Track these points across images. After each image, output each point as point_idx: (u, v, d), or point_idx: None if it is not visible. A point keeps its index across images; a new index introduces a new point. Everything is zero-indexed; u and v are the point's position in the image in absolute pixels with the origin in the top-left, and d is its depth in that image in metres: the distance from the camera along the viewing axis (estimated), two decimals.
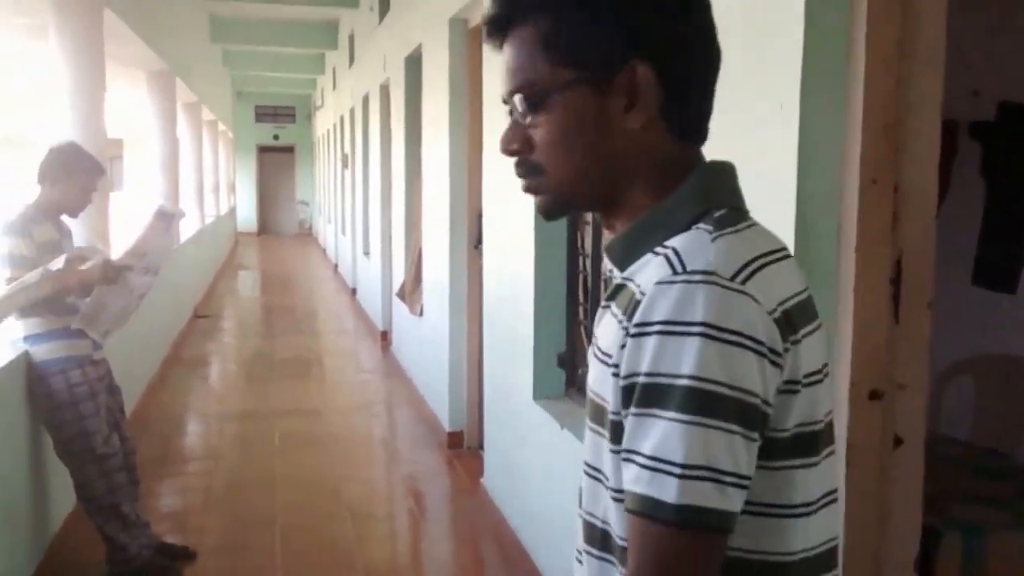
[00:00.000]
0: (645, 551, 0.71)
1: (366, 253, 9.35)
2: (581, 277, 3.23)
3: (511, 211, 3.52)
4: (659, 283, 0.73)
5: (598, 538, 0.82)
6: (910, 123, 1.57)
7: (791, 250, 1.51)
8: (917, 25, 1.56)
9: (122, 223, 5.36)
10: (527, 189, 0.87)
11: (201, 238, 10.55)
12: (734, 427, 0.69)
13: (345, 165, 11.56)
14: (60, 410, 3.07)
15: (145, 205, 3.31)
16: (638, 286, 0.77)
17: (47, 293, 2.86)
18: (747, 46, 1.76)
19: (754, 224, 0.81)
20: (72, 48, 4.52)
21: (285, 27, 11.85)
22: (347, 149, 11.22)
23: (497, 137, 0.85)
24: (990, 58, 2.86)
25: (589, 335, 2.52)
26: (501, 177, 3.60)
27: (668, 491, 0.68)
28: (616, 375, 0.75)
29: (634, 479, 0.71)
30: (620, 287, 0.81)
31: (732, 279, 0.72)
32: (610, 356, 0.77)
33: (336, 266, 13.60)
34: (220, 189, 14.98)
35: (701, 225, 0.78)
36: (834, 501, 0.83)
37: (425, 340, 5.65)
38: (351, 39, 10.36)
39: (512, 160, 0.87)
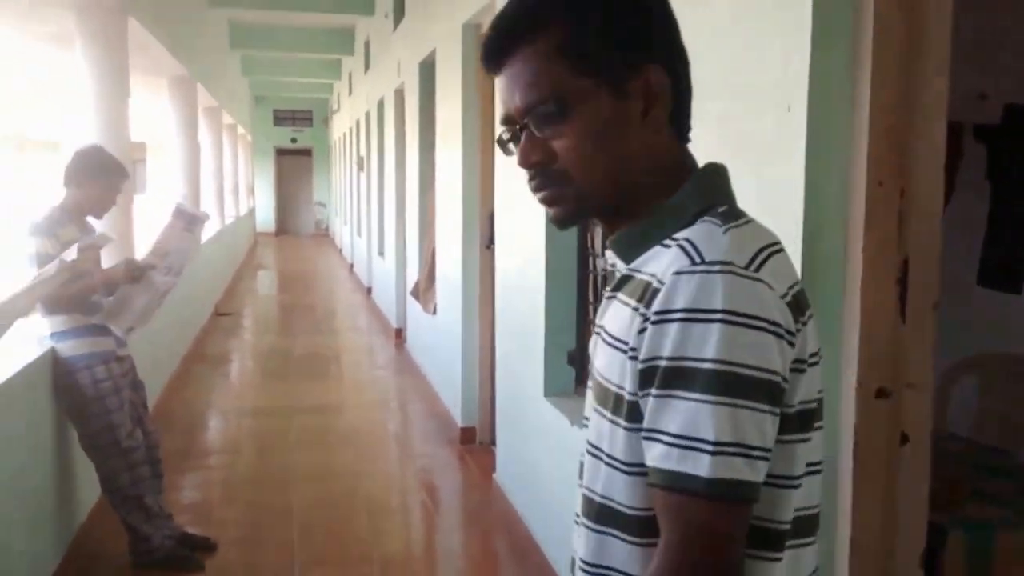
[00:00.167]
0: (679, 524, 0.75)
1: (381, 253, 9.44)
2: (591, 276, 3.29)
3: (522, 212, 3.58)
4: (678, 272, 0.77)
5: (595, 512, 0.87)
6: (916, 126, 1.58)
7: (799, 252, 1.57)
8: (923, 28, 1.57)
9: (145, 225, 5.47)
10: (546, 199, 0.88)
11: (221, 238, 10.69)
12: (760, 405, 0.74)
13: (361, 168, 11.66)
14: (86, 405, 3.16)
15: (167, 207, 3.38)
16: (653, 275, 0.80)
17: (64, 282, 2.92)
18: (754, 48, 1.79)
19: (752, 220, 0.85)
20: (97, 55, 4.64)
21: (302, 34, 11.99)
22: (363, 152, 11.32)
23: None
24: (996, 61, 2.88)
25: None
26: (513, 179, 3.66)
27: (701, 466, 0.73)
28: (633, 358, 0.79)
29: (661, 456, 0.75)
30: (627, 278, 0.86)
31: (747, 267, 0.76)
32: (625, 342, 0.81)
33: (352, 266, 13.70)
34: (240, 191, 15.13)
35: (707, 219, 0.82)
36: (820, 472, 0.88)
37: (438, 338, 5.73)
38: (367, 45, 10.46)
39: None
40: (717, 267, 0.76)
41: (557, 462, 3.19)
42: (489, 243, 4.58)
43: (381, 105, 8.96)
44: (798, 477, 0.83)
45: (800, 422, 0.82)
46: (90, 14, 4.61)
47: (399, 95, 7.62)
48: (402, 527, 4.06)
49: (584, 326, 3.33)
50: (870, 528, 1.63)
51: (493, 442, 4.32)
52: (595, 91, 0.82)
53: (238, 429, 5.50)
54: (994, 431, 2.83)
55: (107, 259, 3.49)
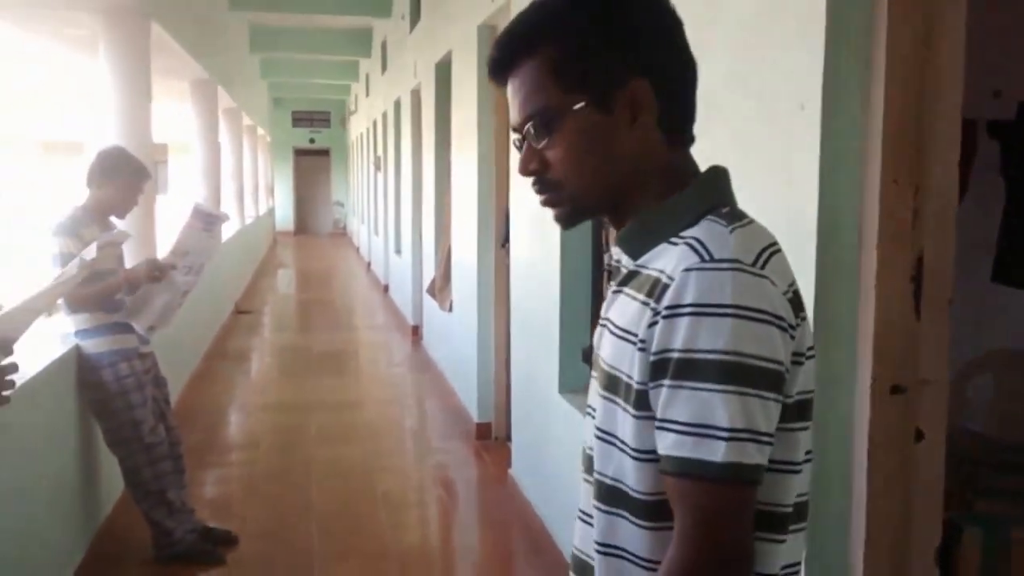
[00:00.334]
0: (693, 509, 0.79)
1: (398, 252, 9.50)
2: (605, 273, 3.31)
3: (537, 211, 3.59)
4: (688, 269, 0.81)
5: (608, 495, 0.90)
6: (930, 123, 1.59)
7: (814, 249, 1.58)
8: (937, 25, 1.57)
9: (167, 225, 5.54)
10: (545, 203, 0.96)
11: (241, 238, 10.79)
12: (767, 393, 0.79)
13: (378, 167, 11.72)
14: (109, 401, 3.21)
15: (187, 207, 3.43)
16: (661, 272, 0.85)
17: (86, 280, 2.96)
18: (768, 46, 1.79)
19: (753, 220, 0.90)
20: (120, 59, 4.71)
21: (320, 36, 12.08)
22: (380, 152, 11.38)
23: None
24: (1010, 58, 2.87)
25: None
26: (527, 179, 3.68)
27: (716, 452, 0.77)
28: (643, 350, 0.83)
29: (675, 444, 0.79)
30: (634, 273, 0.90)
31: (753, 265, 0.82)
32: (634, 334, 0.85)
33: (369, 264, 13.78)
34: (259, 191, 15.26)
35: (712, 218, 0.86)
36: (810, 460, 0.93)
37: (454, 335, 5.76)
38: (383, 46, 10.53)
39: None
40: (726, 264, 0.80)
41: (572, 457, 3.19)
42: (504, 241, 4.61)
43: (398, 106, 9.02)
44: (799, 463, 0.88)
45: (799, 411, 0.87)
46: (114, 19, 4.69)
47: (415, 96, 7.67)
48: (419, 522, 4.10)
49: (598, 323, 3.33)
50: (885, 524, 1.63)
51: (509, 438, 4.34)
52: (583, 105, 0.88)
53: (258, 425, 5.56)
54: (1009, 427, 2.82)
55: (130, 259, 3.55)
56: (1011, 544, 2.10)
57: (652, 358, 0.82)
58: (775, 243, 0.87)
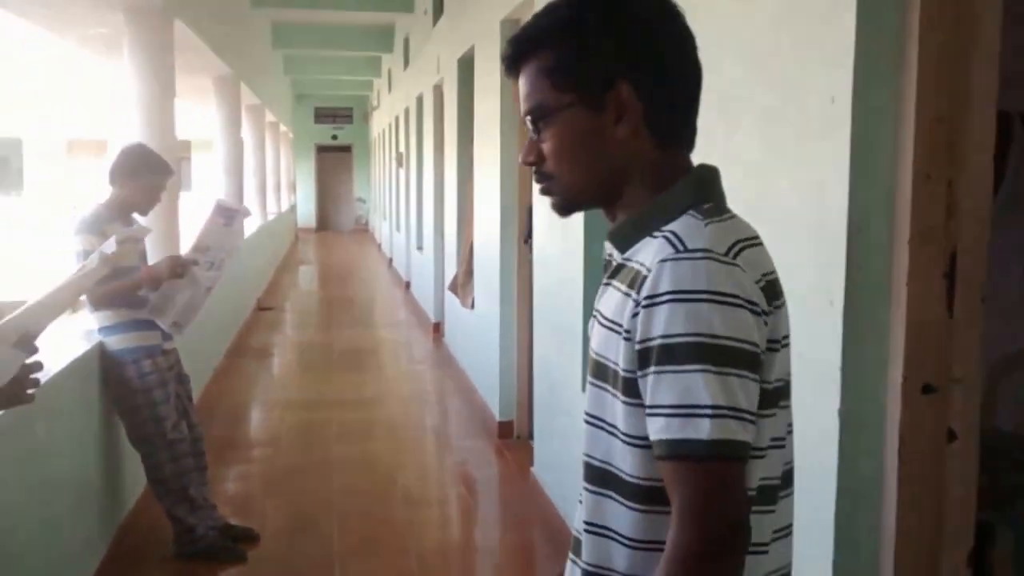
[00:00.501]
0: (688, 489, 0.83)
1: (419, 248, 9.51)
2: None
3: None
4: (663, 260, 0.87)
5: (597, 476, 0.96)
6: (965, 116, 1.55)
7: (843, 245, 1.54)
8: (972, 14, 1.53)
9: (191, 222, 5.59)
10: (542, 192, 1.03)
11: (263, 234, 10.86)
12: (744, 372, 0.84)
13: (400, 164, 11.75)
14: (132, 397, 3.23)
15: (209, 204, 3.45)
16: (642, 264, 0.91)
17: (108, 277, 2.97)
18: (796, 39, 1.76)
19: (735, 216, 0.95)
20: (144, 57, 4.74)
21: (343, 32, 12.12)
22: (402, 148, 11.40)
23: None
24: None
25: None
26: None
27: (702, 430, 0.81)
28: (628, 339, 0.88)
29: (664, 428, 0.84)
30: (621, 266, 0.96)
31: (725, 255, 0.87)
32: (620, 324, 0.90)
33: (391, 261, 13.81)
34: (281, 187, 15.36)
35: (692, 213, 0.92)
36: (782, 447, 0.97)
37: (476, 332, 5.75)
38: (406, 42, 10.53)
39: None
40: (699, 254, 0.86)
41: None
42: (527, 237, 4.58)
43: (420, 101, 9.02)
44: (764, 449, 0.92)
45: (771, 399, 0.91)
46: (138, 17, 4.73)
47: (438, 91, 7.66)
48: (440, 520, 4.09)
49: None
50: (916, 526, 1.61)
51: (531, 436, 4.32)
52: (573, 104, 0.96)
53: (280, 421, 5.58)
54: None
55: (153, 256, 3.57)
56: None
57: (637, 347, 0.87)
58: (753, 237, 0.93)
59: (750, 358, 0.85)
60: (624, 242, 0.98)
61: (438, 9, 7.42)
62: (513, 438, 4.90)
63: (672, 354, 0.83)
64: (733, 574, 0.84)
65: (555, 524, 3.65)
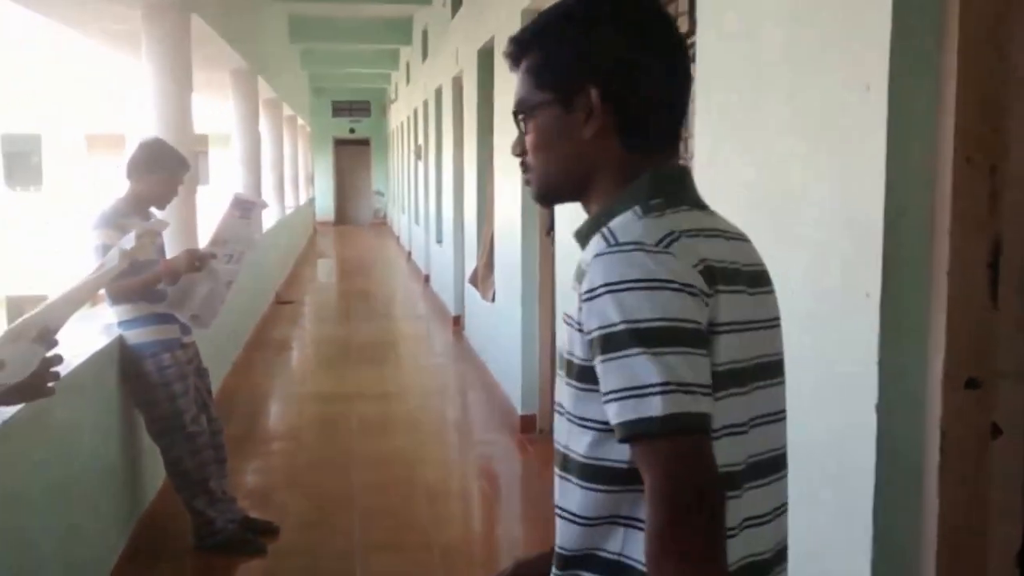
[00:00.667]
0: (653, 467, 0.86)
1: (439, 241, 9.48)
2: None
3: None
4: (598, 255, 0.92)
5: (560, 461, 1.01)
6: (1009, 97, 1.49)
7: (880, 234, 1.49)
8: None
9: (209, 216, 5.60)
10: (525, 182, 1.11)
11: (282, 228, 10.89)
12: (685, 349, 0.87)
13: (418, 156, 11.73)
14: (152, 391, 3.23)
15: (227, 198, 3.45)
16: (585, 260, 0.96)
17: (126, 271, 2.96)
18: (829, 23, 1.71)
19: (689, 210, 0.99)
20: (161, 52, 4.75)
21: (360, 25, 12.10)
22: (421, 141, 11.37)
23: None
24: None
25: None
26: None
27: (654, 407, 0.85)
28: (581, 331, 0.93)
29: (619, 411, 0.87)
30: (579, 264, 1.01)
31: (656, 245, 0.91)
32: (573, 318, 0.96)
33: (410, 254, 13.82)
34: (299, 181, 15.40)
35: (634, 210, 0.97)
36: (774, 421, 1.03)
37: (497, 325, 5.71)
38: (424, 34, 10.49)
39: None
40: (629, 247, 0.91)
41: None
42: (549, 229, 4.53)
43: (439, 93, 8.98)
44: (740, 425, 0.96)
45: (732, 380, 0.95)
46: (155, 12, 4.73)
47: (457, 83, 7.61)
48: (462, 514, 4.07)
49: None
50: (960, 526, 1.55)
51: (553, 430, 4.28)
52: (550, 103, 1.03)
53: (299, 415, 5.59)
54: None
55: (171, 250, 3.56)
56: None
57: (587, 339, 0.92)
58: (702, 230, 0.97)
59: (690, 335, 0.88)
60: (583, 241, 1.04)
61: (456, 0, 7.37)
62: (536, 432, 4.85)
63: (612, 342, 0.88)
64: (715, 535, 0.86)
65: None
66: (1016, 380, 1.55)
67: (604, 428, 0.91)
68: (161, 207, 3.30)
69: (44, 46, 15.47)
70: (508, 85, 5.05)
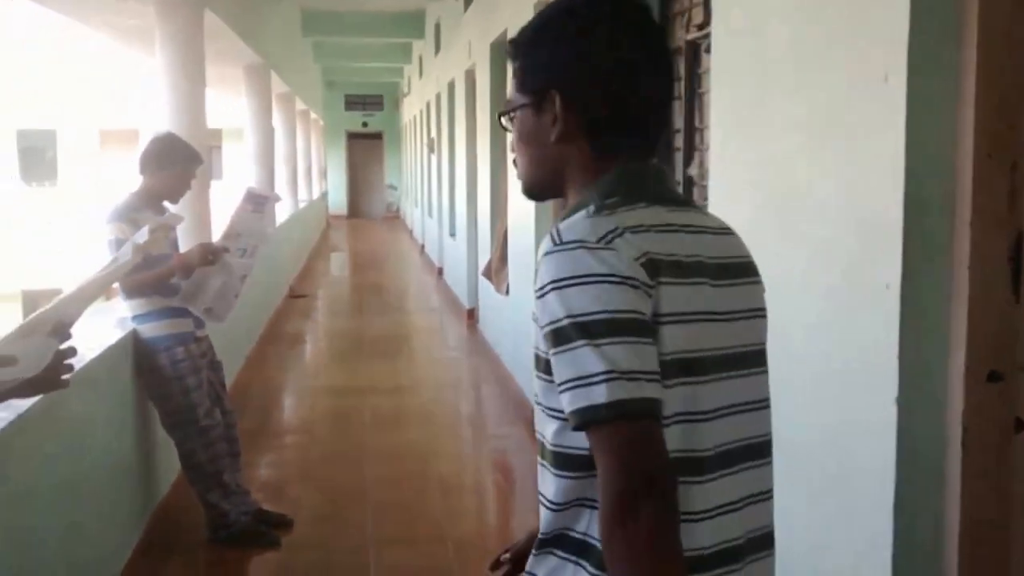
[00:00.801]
0: (603, 454, 0.90)
1: (452, 234, 9.47)
2: None
3: None
4: (545, 254, 0.97)
5: (540, 449, 1.05)
6: None
7: (900, 229, 1.50)
8: None
9: (222, 210, 5.61)
10: (518, 176, 1.16)
11: (295, 221, 10.91)
12: (627, 338, 0.91)
13: (431, 150, 11.71)
14: (165, 384, 3.24)
15: (240, 192, 3.46)
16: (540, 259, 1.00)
17: (140, 266, 2.97)
18: (835, 19, 1.69)
19: (647, 207, 1.01)
20: (175, 47, 4.75)
21: (373, 19, 12.09)
22: (433, 134, 11.36)
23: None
24: None
25: None
26: None
27: (598, 395, 0.89)
28: (540, 327, 0.98)
29: (570, 401, 0.91)
30: None
31: (597, 242, 0.95)
32: (535, 314, 1.00)
33: (423, 247, 13.82)
34: (312, 175, 15.42)
35: (586, 209, 1.01)
36: (750, 410, 1.05)
37: (511, 318, 5.70)
38: (437, 28, 10.47)
39: None
40: (571, 245, 0.95)
41: None
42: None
43: (452, 87, 8.96)
44: (705, 412, 0.99)
45: (682, 369, 0.96)
46: (168, 8, 4.74)
47: (470, 76, 7.59)
48: (476, 508, 4.06)
49: None
50: (982, 521, 1.54)
51: None
52: (526, 105, 1.10)
53: (313, 408, 5.60)
54: None
55: (185, 244, 3.57)
56: None
57: (542, 334, 0.97)
58: (643, 226, 0.98)
59: (633, 324, 0.92)
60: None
61: None
62: None
63: (560, 336, 0.93)
64: (665, 519, 0.88)
65: None
66: None
67: (566, 417, 0.94)
68: (174, 201, 3.31)
69: (58, 42, 15.57)
70: None
